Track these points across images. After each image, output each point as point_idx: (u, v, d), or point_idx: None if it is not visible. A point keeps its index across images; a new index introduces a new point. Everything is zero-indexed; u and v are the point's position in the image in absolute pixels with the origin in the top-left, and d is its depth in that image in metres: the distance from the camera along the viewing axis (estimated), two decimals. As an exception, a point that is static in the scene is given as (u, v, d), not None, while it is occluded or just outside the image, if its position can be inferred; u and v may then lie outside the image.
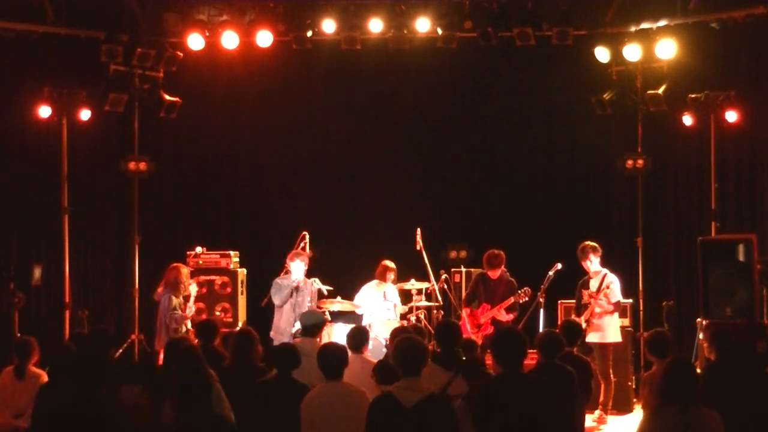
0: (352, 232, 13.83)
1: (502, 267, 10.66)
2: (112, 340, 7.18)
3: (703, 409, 5.33)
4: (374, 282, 11.62)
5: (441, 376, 6.29)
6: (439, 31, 12.50)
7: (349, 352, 7.71)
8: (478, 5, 12.41)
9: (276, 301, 10.48)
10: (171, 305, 10.52)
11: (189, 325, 10.50)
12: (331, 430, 6.00)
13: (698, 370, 7.31)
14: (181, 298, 10.64)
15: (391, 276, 11.50)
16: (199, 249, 12.10)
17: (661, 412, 5.31)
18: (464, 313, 10.79)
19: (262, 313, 11.76)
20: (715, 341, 7.27)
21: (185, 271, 10.83)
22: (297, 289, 10.36)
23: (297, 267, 10.45)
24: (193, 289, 10.71)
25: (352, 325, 10.73)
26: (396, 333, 7.75)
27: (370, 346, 8.34)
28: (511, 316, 10.52)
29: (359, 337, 7.89)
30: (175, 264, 10.91)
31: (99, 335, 7.24)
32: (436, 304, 11.57)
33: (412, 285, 11.61)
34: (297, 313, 10.15)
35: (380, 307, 11.34)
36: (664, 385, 5.36)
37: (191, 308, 10.60)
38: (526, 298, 10.51)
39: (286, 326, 10.39)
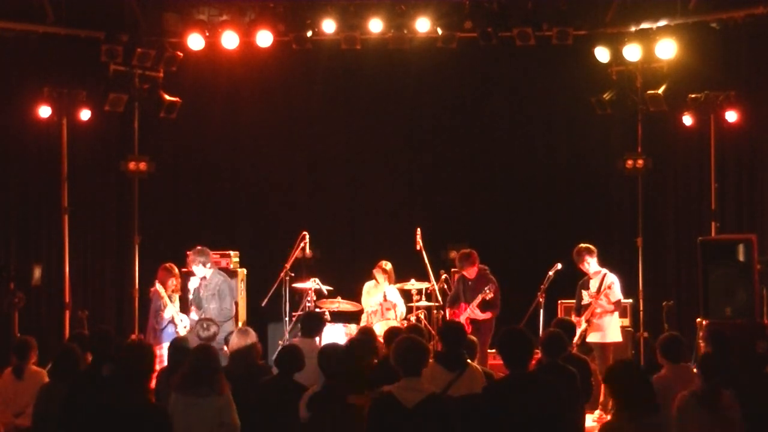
0: (352, 232, 13.84)
1: (477, 266, 10.60)
2: (113, 341, 7.17)
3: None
4: (372, 282, 11.63)
5: (443, 377, 6.28)
6: (439, 31, 12.51)
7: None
8: (478, 5, 12.41)
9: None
10: (157, 306, 10.50)
11: (184, 327, 10.41)
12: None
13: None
14: (175, 297, 10.59)
15: (381, 278, 11.48)
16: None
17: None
18: (448, 314, 10.78)
19: (262, 313, 11.79)
20: (710, 341, 7.28)
21: (175, 271, 10.80)
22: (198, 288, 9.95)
23: (195, 270, 9.96)
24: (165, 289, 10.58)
25: (353, 326, 10.80)
26: (391, 334, 7.72)
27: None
28: (488, 315, 10.47)
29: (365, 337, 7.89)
30: (166, 264, 10.88)
31: (99, 335, 7.24)
32: (436, 304, 11.56)
33: (412, 285, 11.60)
34: (197, 308, 9.85)
35: (380, 307, 11.33)
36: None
37: (169, 308, 10.46)
38: (491, 295, 10.43)
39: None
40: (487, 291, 10.41)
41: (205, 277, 9.89)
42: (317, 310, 11.26)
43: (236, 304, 11.11)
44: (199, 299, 9.85)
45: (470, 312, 10.50)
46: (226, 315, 9.79)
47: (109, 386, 5.68)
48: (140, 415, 4.87)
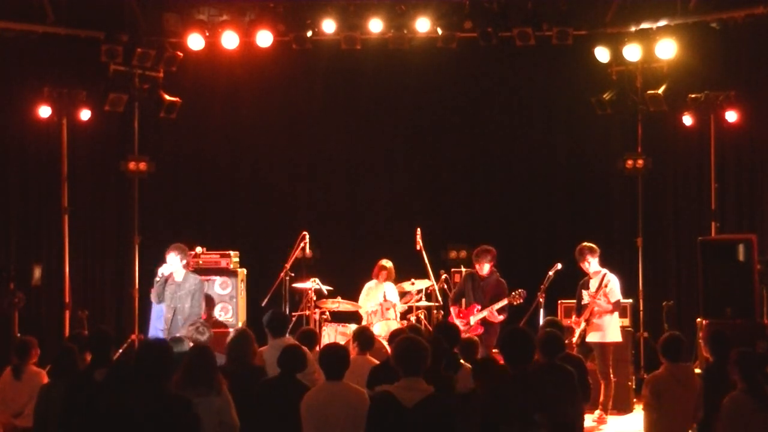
0: (352, 232, 13.83)
1: (491, 264, 10.58)
2: (112, 341, 7.16)
3: None
4: (373, 282, 11.63)
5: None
6: (439, 31, 12.51)
7: (355, 352, 7.74)
8: (478, 5, 12.41)
9: (152, 297, 10.08)
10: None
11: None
12: (330, 429, 6.00)
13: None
14: None
15: (384, 275, 11.48)
16: (199, 249, 12.08)
17: None
18: (452, 311, 10.76)
19: (262, 313, 11.76)
20: (710, 343, 7.29)
21: None
22: (166, 281, 9.78)
23: (170, 259, 9.84)
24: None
25: (352, 326, 10.78)
26: (395, 335, 7.73)
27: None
28: (501, 318, 10.45)
29: (366, 337, 7.88)
30: None
31: (98, 336, 7.23)
32: (436, 304, 11.56)
33: (412, 285, 11.60)
34: (171, 306, 9.75)
35: (380, 307, 11.33)
36: None
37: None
38: (521, 300, 10.41)
39: (155, 319, 10.36)
40: (517, 296, 10.36)
41: (172, 274, 9.77)
42: (317, 310, 11.28)
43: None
44: (162, 292, 9.74)
45: (488, 313, 10.41)
46: (197, 313, 9.76)
47: (104, 390, 5.66)
48: (155, 415, 4.89)
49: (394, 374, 5.69)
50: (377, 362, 7.60)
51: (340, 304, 11.46)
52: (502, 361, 5.84)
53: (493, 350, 10.22)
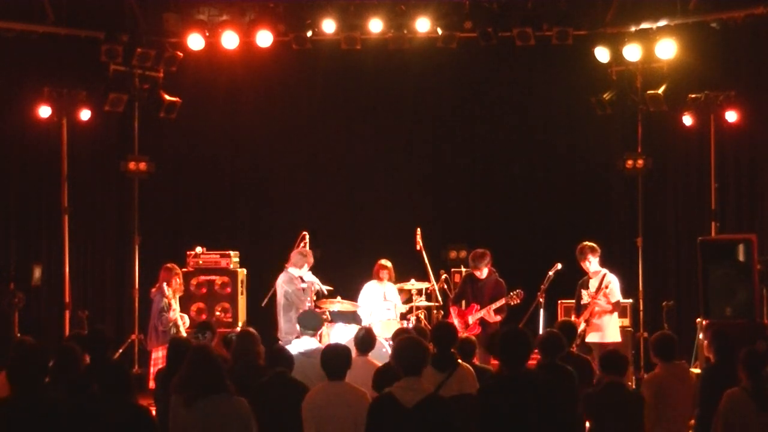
0: (352, 232, 13.83)
1: (489, 266, 10.57)
2: (108, 341, 7.15)
3: None
4: (373, 282, 11.62)
5: (434, 377, 6.26)
6: (439, 31, 12.52)
7: (355, 354, 7.72)
8: (478, 5, 12.43)
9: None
10: (161, 306, 10.49)
11: (184, 326, 10.46)
12: (331, 429, 5.99)
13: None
14: (175, 298, 10.59)
15: (385, 274, 11.47)
16: (199, 249, 12.09)
17: None
18: (452, 311, 10.75)
19: (262, 313, 11.77)
20: (714, 343, 7.29)
21: (177, 271, 10.80)
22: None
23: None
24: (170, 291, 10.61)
25: (353, 326, 10.76)
26: (398, 334, 7.72)
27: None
28: (498, 318, 10.44)
29: (367, 339, 7.87)
30: (168, 264, 10.88)
31: (95, 335, 7.21)
32: (436, 304, 11.56)
33: (412, 285, 11.60)
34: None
35: (380, 307, 11.33)
36: None
37: (175, 310, 10.48)
38: (518, 301, 10.39)
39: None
40: (514, 296, 10.35)
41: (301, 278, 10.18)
42: (317, 309, 11.25)
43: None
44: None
45: (485, 312, 10.41)
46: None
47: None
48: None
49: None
50: (378, 363, 7.58)
51: (341, 304, 11.45)
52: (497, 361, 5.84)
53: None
